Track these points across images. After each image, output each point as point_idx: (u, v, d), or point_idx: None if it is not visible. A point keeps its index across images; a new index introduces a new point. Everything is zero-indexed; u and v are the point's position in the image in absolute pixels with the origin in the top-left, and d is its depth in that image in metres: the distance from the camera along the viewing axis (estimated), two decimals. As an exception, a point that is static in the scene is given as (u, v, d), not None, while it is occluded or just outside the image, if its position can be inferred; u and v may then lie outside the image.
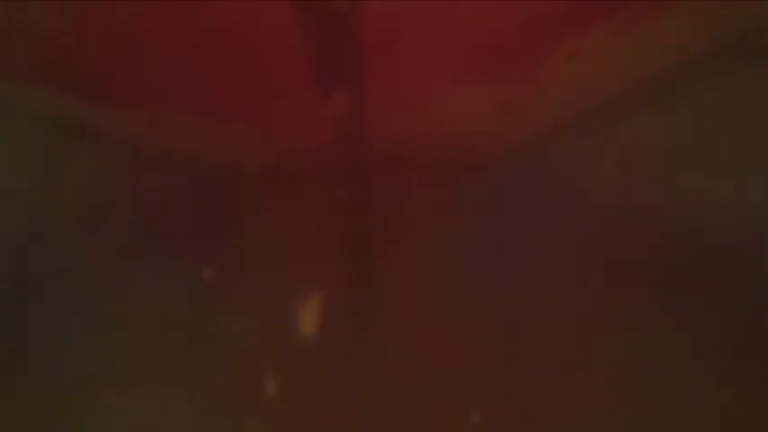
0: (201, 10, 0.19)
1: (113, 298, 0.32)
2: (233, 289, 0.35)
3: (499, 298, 0.32)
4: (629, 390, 0.27)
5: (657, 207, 0.31)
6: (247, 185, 0.34)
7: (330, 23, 0.20)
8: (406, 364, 0.30)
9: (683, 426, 0.25)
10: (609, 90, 0.26)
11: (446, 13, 0.20)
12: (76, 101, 0.26)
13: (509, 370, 0.29)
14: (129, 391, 0.30)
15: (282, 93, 0.26)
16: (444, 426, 0.28)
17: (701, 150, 0.28)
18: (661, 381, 0.27)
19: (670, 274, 0.30)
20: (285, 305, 0.33)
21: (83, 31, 0.20)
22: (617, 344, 0.28)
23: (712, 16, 0.21)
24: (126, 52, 0.22)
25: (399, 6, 0.19)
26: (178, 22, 0.20)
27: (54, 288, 0.31)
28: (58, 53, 0.22)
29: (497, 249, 0.34)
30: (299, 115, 0.29)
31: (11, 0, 0.18)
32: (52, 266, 0.32)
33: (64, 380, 0.29)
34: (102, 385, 0.30)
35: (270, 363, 0.33)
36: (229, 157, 0.33)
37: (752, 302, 0.27)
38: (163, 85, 0.25)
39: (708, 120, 0.26)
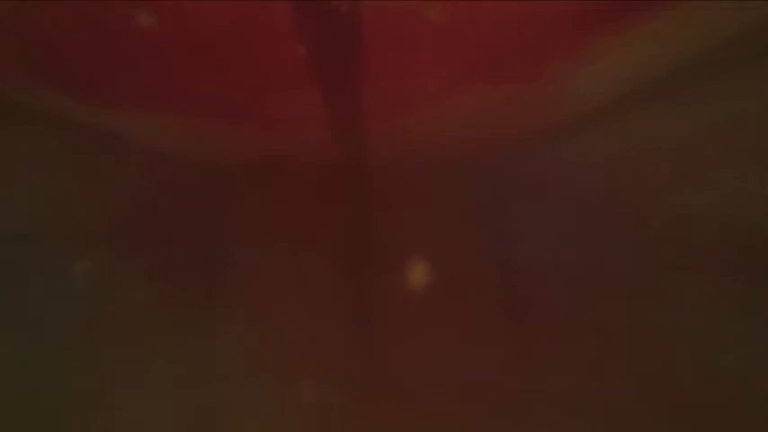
0: (202, 11, 0.19)
1: (109, 299, 0.32)
2: (232, 289, 0.35)
3: (501, 295, 0.32)
4: (646, 394, 0.27)
5: (657, 206, 0.31)
6: (246, 184, 0.34)
7: (330, 23, 0.20)
8: (406, 365, 0.30)
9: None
10: (611, 90, 0.26)
11: (445, 15, 0.20)
12: (78, 103, 0.26)
13: (512, 370, 0.29)
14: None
15: (282, 92, 0.26)
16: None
17: (701, 149, 0.28)
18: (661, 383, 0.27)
19: (671, 273, 0.30)
20: (285, 306, 0.33)
21: (83, 35, 0.20)
22: (623, 342, 0.28)
23: (713, 17, 0.21)
24: (126, 54, 0.22)
25: (398, 7, 0.19)
26: (179, 24, 0.20)
27: (47, 288, 0.31)
28: (59, 56, 0.22)
29: (499, 247, 0.34)
30: (298, 115, 0.29)
31: (12, 1, 0.18)
32: (52, 266, 0.32)
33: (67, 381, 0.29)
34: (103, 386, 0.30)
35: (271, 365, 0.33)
36: (228, 157, 0.33)
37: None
38: (163, 86, 0.25)
39: (708, 120, 0.26)
